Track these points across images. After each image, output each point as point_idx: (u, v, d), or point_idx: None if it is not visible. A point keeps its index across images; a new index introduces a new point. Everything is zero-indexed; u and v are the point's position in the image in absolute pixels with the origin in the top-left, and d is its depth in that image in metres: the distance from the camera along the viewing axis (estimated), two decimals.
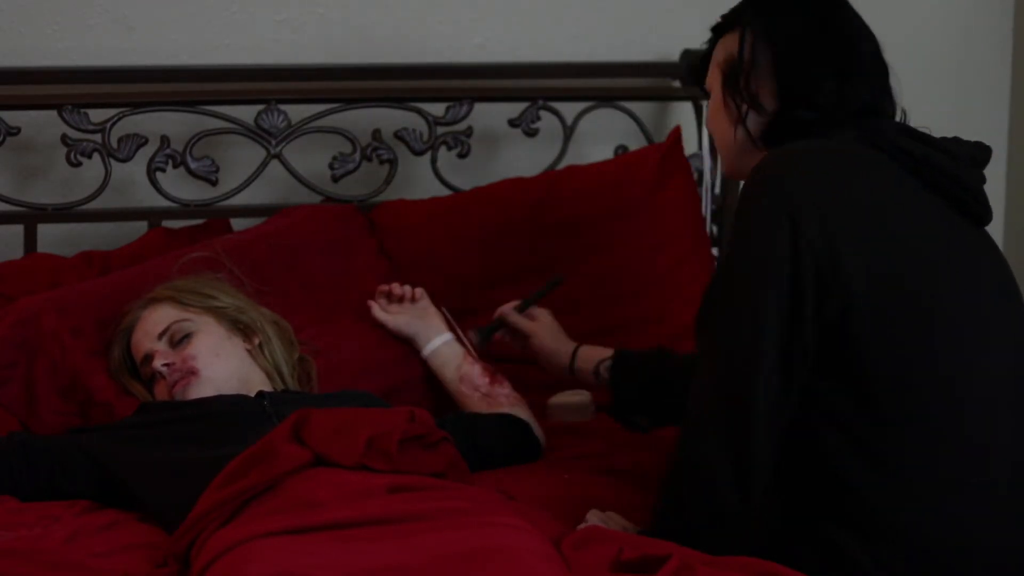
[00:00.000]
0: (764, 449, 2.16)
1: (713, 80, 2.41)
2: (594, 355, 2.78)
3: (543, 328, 2.84)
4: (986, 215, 2.31)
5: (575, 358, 2.80)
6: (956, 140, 2.32)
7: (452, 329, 2.92)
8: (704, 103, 3.31)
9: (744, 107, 2.33)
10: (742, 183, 2.29)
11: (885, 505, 2.15)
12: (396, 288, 2.91)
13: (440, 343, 2.89)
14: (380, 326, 2.90)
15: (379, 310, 2.92)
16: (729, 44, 2.38)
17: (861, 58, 2.31)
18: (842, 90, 2.28)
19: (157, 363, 2.63)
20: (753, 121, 2.34)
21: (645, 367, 2.71)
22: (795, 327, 2.15)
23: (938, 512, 2.15)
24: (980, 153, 2.33)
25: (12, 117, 3.01)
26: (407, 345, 2.91)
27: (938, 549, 2.15)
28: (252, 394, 2.61)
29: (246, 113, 3.12)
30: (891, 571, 2.14)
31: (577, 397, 2.95)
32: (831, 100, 2.28)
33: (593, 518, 2.41)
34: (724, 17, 2.41)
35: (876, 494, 2.15)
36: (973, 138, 2.37)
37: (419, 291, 2.92)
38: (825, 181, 2.19)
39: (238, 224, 3.12)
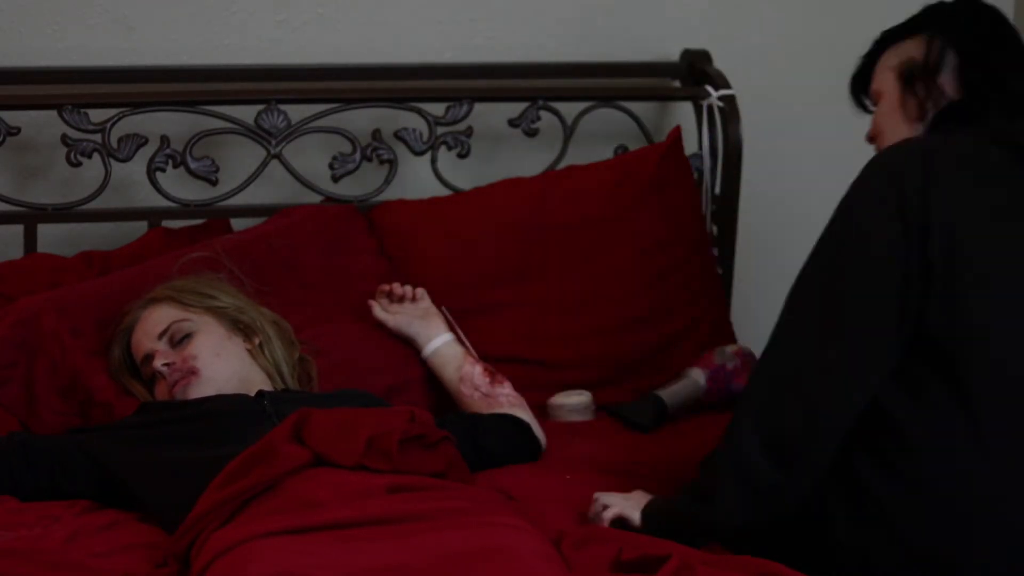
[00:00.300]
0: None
1: (886, 84, 2.49)
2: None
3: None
4: None
5: None
6: None
7: (452, 329, 2.92)
8: (706, 103, 3.32)
9: (929, 104, 2.42)
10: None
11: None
12: (397, 288, 2.91)
13: (440, 343, 2.89)
14: (380, 326, 2.91)
15: (380, 310, 2.92)
16: (908, 50, 2.47)
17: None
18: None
19: (157, 363, 2.63)
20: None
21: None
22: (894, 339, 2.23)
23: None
24: None
25: (12, 117, 3.01)
26: (407, 345, 2.91)
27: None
28: (252, 394, 2.61)
29: (246, 113, 3.12)
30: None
31: (578, 397, 2.95)
32: (1014, 93, 2.39)
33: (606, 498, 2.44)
34: (901, 26, 2.51)
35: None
36: None
37: (420, 291, 2.92)
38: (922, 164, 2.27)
39: (238, 224, 3.12)
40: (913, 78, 2.45)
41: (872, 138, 2.52)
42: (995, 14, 2.48)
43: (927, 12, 2.51)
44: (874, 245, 2.24)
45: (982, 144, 2.31)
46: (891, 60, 2.49)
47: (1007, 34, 2.46)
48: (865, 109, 2.55)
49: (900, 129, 2.45)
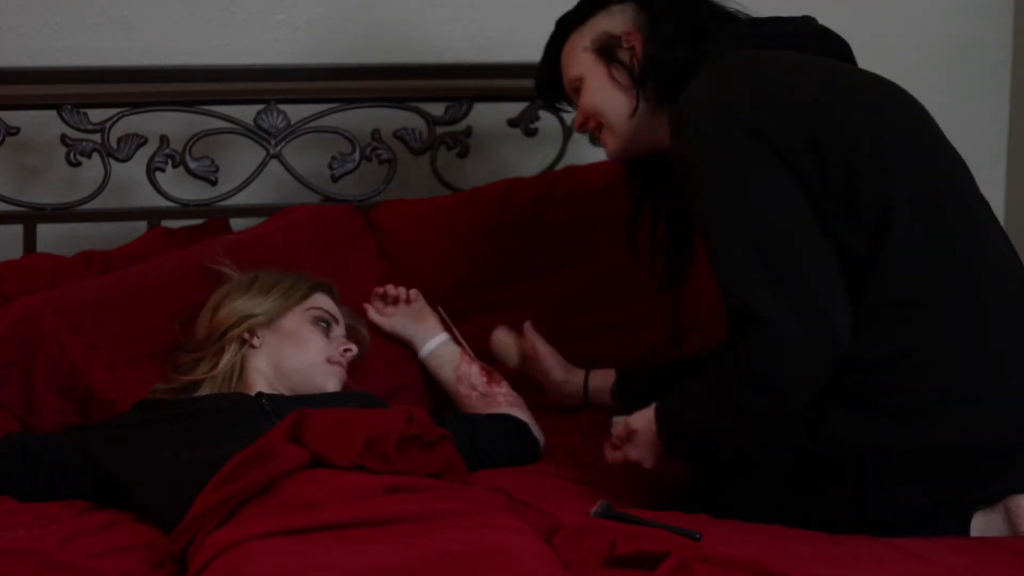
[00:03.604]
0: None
1: (584, 66, 2.55)
2: (605, 381, 2.84)
3: (550, 359, 2.86)
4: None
5: (587, 386, 2.85)
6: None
7: (448, 330, 2.92)
8: None
9: (636, 68, 2.50)
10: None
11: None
12: (391, 289, 2.91)
13: (437, 344, 2.89)
14: (376, 328, 2.90)
15: (375, 312, 2.91)
16: (595, 28, 2.55)
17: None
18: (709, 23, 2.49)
19: (342, 342, 2.72)
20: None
21: (650, 381, 2.75)
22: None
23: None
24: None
25: (12, 117, 3.01)
26: (404, 347, 2.91)
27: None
28: (252, 393, 2.61)
29: (246, 113, 3.12)
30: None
31: None
32: (704, 35, 2.48)
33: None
34: (575, 10, 2.59)
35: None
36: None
37: (414, 292, 2.92)
38: (746, 86, 2.36)
39: (237, 224, 3.12)
40: (613, 48, 2.50)
41: (584, 123, 2.57)
42: None
43: None
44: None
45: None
46: (581, 43, 2.55)
47: None
48: (560, 109, 2.61)
49: (618, 100, 2.52)
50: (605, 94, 2.53)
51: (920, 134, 2.38)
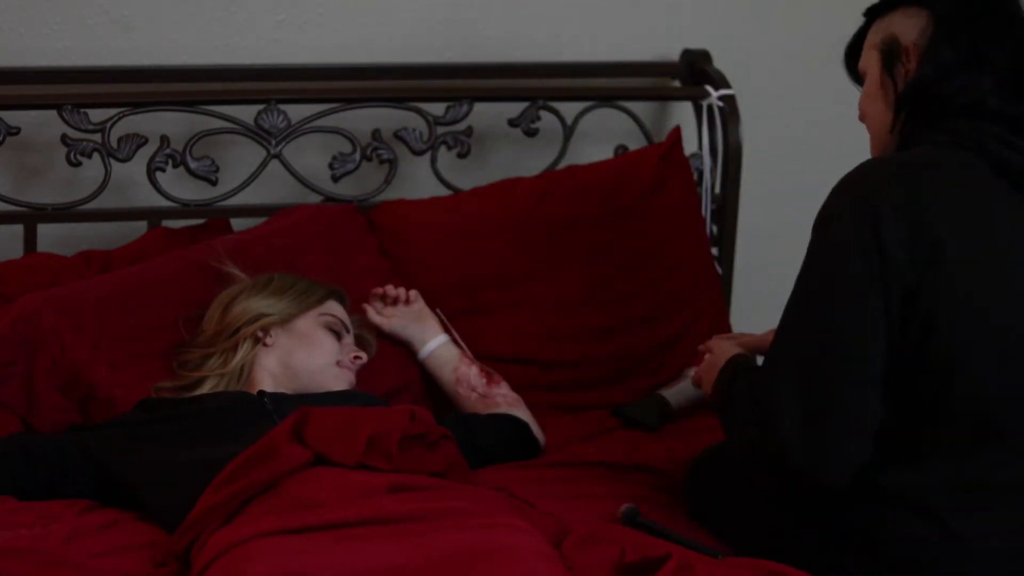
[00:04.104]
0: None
1: (869, 62, 2.40)
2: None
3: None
4: None
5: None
6: None
7: (447, 330, 2.92)
8: (705, 103, 3.32)
9: (901, 87, 2.34)
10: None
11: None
12: (391, 290, 2.91)
13: (436, 345, 2.89)
14: (376, 329, 2.90)
15: (374, 313, 2.91)
16: (891, 25, 2.38)
17: (996, 47, 2.30)
18: (965, 67, 2.29)
19: (353, 349, 2.73)
20: None
21: None
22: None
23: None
24: None
25: (12, 117, 3.01)
26: (403, 348, 2.91)
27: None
28: (254, 391, 2.61)
29: (246, 113, 3.12)
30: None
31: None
32: (949, 74, 2.29)
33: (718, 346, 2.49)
34: (878, 3, 2.42)
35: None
36: None
37: (413, 293, 2.92)
38: (904, 198, 2.20)
39: (238, 224, 3.12)
40: (893, 58, 2.35)
41: (860, 116, 2.44)
42: None
43: None
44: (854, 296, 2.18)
45: (949, 156, 2.25)
46: (874, 37, 2.41)
47: (991, 17, 2.33)
48: (860, 84, 2.50)
49: (881, 115, 2.38)
50: (873, 100, 2.39)
51: None
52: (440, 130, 3.22)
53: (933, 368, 2.17)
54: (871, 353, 2.17)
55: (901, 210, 2.18)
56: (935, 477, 2.19)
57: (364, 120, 3.20)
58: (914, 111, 2.32)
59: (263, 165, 3.14)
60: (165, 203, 3.11)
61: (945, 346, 2.17)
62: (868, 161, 2.32)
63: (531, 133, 3.27)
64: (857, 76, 2.47)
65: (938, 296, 2.16)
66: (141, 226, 3.10)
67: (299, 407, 2.33)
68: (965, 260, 2.18)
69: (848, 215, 2.20)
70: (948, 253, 2.17)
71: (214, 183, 3.11)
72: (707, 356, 2.52)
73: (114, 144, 3.04)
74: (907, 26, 2.35)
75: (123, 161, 3.06)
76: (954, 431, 2.19)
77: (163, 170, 3.08)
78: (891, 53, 2.36)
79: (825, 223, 2.24)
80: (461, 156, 3.24)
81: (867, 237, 2.17)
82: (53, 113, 3.01)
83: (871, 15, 2.43)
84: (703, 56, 3.37)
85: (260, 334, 2.69)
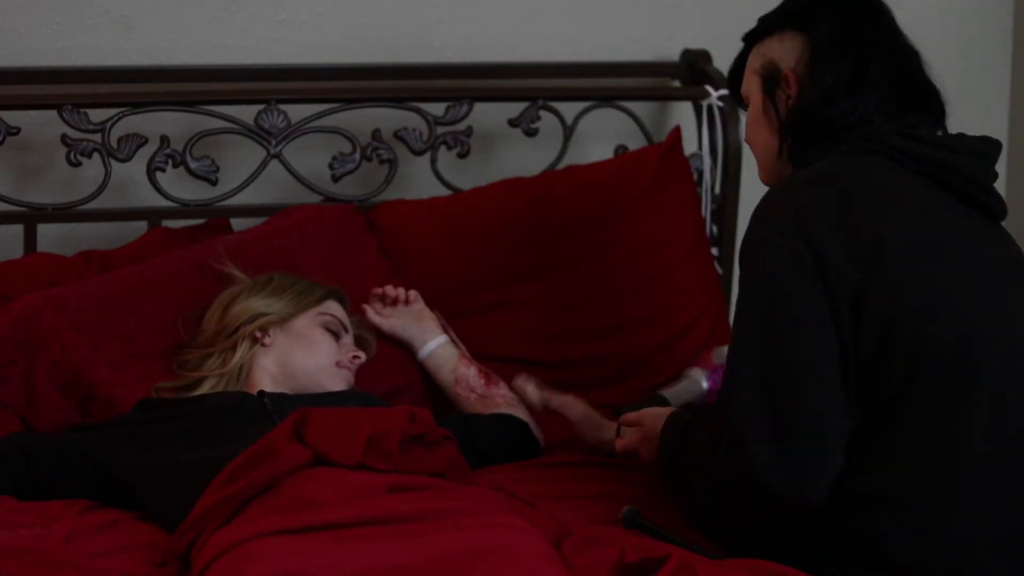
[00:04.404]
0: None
1: (751, 88, 2.41)
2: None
3: (582, 423, 2.77)
4: (999, 208, 2.31)
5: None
6: (959, 136, 2.33)
7: (447, 331, 2.91)
8: (705, 103, 3.32)
9: (785, 114, 2.34)
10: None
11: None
12: (390, 290, 2.91)
13: (435, 345, 2.89)
14: (375, 329, 2.90)
15: (374, 313, 2.91)
16: (766, 49, 2.39)
17: (876, 67, 2.31)
18: (850, 89, 2.30)
19: (351, 349, 2.73)
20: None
21: None
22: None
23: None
24: (987, 147, 2.33)
25: (12, 117, 3.01)
26: (403, 348, 2.91)
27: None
28: (254, 392, 2.61)
29: (246, 113, 3.12)
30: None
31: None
32: (834, 97, 2.30)
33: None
34: (761, 21, 2.42)
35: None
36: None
37: (413, 293, 2.92)
38: (832, 204, 2.19)
39: (238, 224, 3.12)
40: (773, 84, 2.35)
41: (747, 140, 2.45)
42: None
43: (788, 2, 2.40)
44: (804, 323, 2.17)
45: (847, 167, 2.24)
46: (754, 62, 2.41)
47: (862, 30, 2.33)
48: (745, 108, 2.47)
49: (766, 140, 2.38)
50: (757, 126, 2.40)
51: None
52: (440, 130, 3.22)
53: (894, 364, 2.16)
54: (829, 372, 2.16)
55: (828, 213, 2.17)
56: (910, 475, 2.18)
57: (364, 120, 3.20)
58: (801, 135, 2.32)
59: (263, 165, 3.14)
60: (165, 203, 3.11)
61: (903, 340, 2.16)
62: (777, 185, 2.31)
63: (531, 133, 3.27)
64: (742, 101, 2.48)
65: (888, 290, 2.16)
66: (141, 226, 3.10)
67: (299, 407, 2.33)
68: (906, 251, 2.18)
69: (774, 234, 2.20)
70: (888, 245, 2.16)
71: (214, 183, 3.11)
72: (632, 430, 2.52)
73: (114, 144, 3.04)
74: (785, 51, 2.36)
75: (123, 161, 3.06)
76: (917, 430, 2.18)
77: (163, 170, 3.08)
78: (771, 79, 2.36)
79: (753, 248, 2.23)
80: (461, 156, 3.24)
81: (799, 249, 2.16)
82: (53, 113, 3.01)
83: (750, 40, 2.44)
84: (703, 56, 3.37)
85: (258, 334, 2.69)
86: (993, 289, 2.23)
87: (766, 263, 2.20)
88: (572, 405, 2.76)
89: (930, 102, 2.35)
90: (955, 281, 2.20)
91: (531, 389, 2.78)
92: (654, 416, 2.49)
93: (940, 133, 2.34)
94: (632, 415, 2.54)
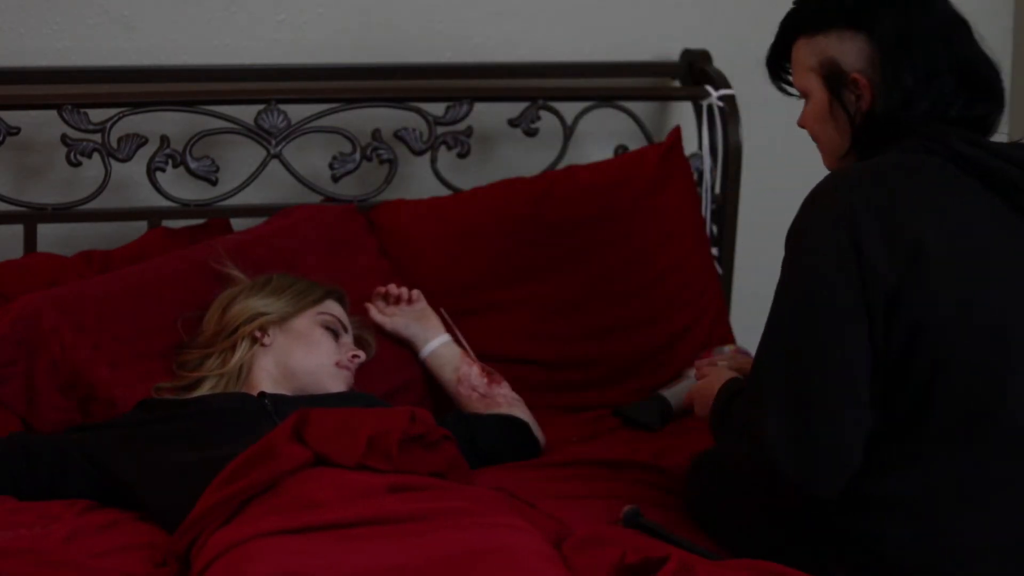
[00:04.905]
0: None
1: (810, 85, 2.36)
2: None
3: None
4: None
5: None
6: (1020, 145, 2.31)
7: (450, 330, 2.92)
8: (706, 103, 3.32)
9: (860, 117, 2.31)
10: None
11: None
12: (393, 289, 2.91)
13: (438, 344, 2.89)
14: (378, 328, 2.90)
15: (376, 312, 2.91)
16: (823, 47, 2.33)
17: (944, 59, 2.28)
18: (927, 88, 2.27)
19: (351, 349, 2.72)
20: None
21: None
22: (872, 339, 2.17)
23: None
24: None
25: (12, 117, 3.01)
26: (405, 347, 2.91)
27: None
28: (254, 393, 2.61)
29: (246, 113, 3.12)
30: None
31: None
32: (914, 98, 2.27)
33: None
34: (810, 14, 2.36)
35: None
36: None
37: (416, 292, 2.92)
38: (884, 204, 2.18)
39: (238, 224, 3.12)
40: (839, 85, 2.31)
41: (804, 127, 2.41)
42: None
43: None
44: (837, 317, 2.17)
45: (915, 164, 2.23)
46: (809, 57, 2.35)
47: (928, 26, 2.29)
48: (786, 92, 2.43)
49: (834, 139, 2.35)
50: (823, 124, 2.36)
51: None
52: (440, 130, 3.22)
53: (920, 369, 2.17)
54: (856, 365, 2.16)
55: (877, 212, 2.17)
56: (925, 480, 2.18)
57: (364, 120, 3.20)
58: (877, 137, 2.29)
59: (263, 165, 3.14)
60: (165, 203, 3.11)
61: (931, 347, 2.16)
62: (836, 171, 2.31)
63: (531, 133, 3.27)
64: (780, 81, 2.45)
65: (922, 296, 2.16)
66: (141, 226, 3.10)
67: (300, 408, 2.33)
68: (946, 259, 2.17)
69: (821, 223, 2.19)
70: (929, 253, 2.16)
71: (214, 183, 3.11)
72: (698, 380, 2.53)
73: (114, 144, 3.04)
74: (846, 51, 2.31)
75: (123, 161, 3.06)
76: (942, 433, 2.18)
77: (163, 170, 3.08)
78: (836, 79, 2.32)
79: (797, 235, 2.23)
80: (461, 156, 3.24)
81: (843, 242, 2.16)
82: (53, 113, 3.01)
83: (795, 30, 2.38)
84: (703, 56, 3.37)
85: (258, 334, 2.69)
86: None
87: (808, 253, 2.20)
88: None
89: (991, 82, 2.31)
90: (991, 294, 2.19)
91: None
92: (717, 373, 2.49)
93: (1006, 141, 2.32)
94: (700, 366, 2.56)
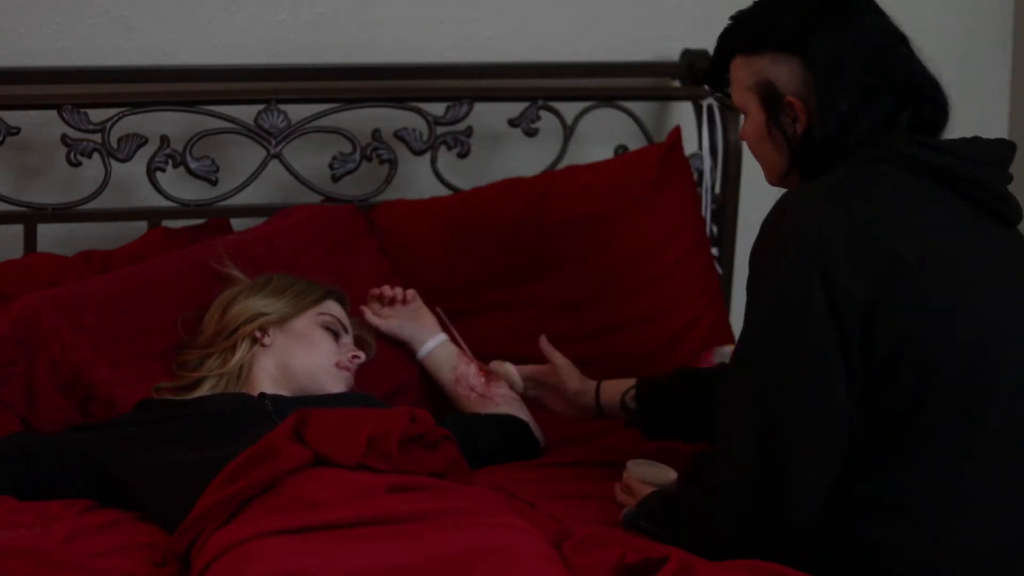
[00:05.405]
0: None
1: (747, 103, 2.35)
2: (617, 388, 2.74)
3: (566, 368, 2.78)
4: (1013, 214, 2.29)
5: (599, 394, 2.76)
6: (974, 141, 2.30)
7: (447, 330, 2.91)
8: (705, 103, 3.32)
9: (796, 140, 2.30)
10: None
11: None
12: (387, 290, 2.91)
13: (435, 344, 2.89)
14: (374, 330, 2.90)
15: (371, 314, 2.91)
16: (758, 68, 2.32)
17: (879, 76, 2.27)
18: (864, 110, 2.25)
19: (351, 349, 2.72)
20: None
21: (670, 390, 2.69)
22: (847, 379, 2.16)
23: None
24: (1002, 151, 2.30)
25: (12, 117, 3.01)
26: (402, 348, 2.91)
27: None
28: (254, 393, 2.61)
29: (246, 113, 3.12)
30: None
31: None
32: (851, 122, 2.25)
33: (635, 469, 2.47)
34: (745, 35, 2.35)
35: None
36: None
37: (411, 293, 2.92)
38: (846, 224, 2.16)
39: (238, 224, 3.12)
40: (776, 107, 2.29)
41: (743, 138, 2.40)
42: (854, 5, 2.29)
43: (770, 17, 2.31)
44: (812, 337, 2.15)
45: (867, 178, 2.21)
46: (746, 76, 2.33)
47: (866, 39, 2.27)
48: (728, 106, 2.44)
49: (773, 159, 2.34)
50: (761, 143, 2.35)
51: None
52: (440, 130, 3.22)
53: (906, 375, 2.16)
54: (830, 391, 2.15)
55: (839, 232, 2.15)
56: (917, 481, 2.18)
57: (364, 120, 3.20)
58: (815, 159, 2.27)
59: (263, 165, 3.14)
60: (165, 203, 3.11)
61: (916, 354, 2.15)
62: (790, 194, 2.27)
63: (531, 133, 3.27)
64: (721, 94, 2.44)
65: (905, 306, 2.15)
66: (141, 226, 3.10)
67: (299, 408, 2.33)
68: (922, 266, 2.16)
69: (782, 252, 2.18)
70: (907, 261, 2.15)
71: (214, 183, 3.11)
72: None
73: (114, 144, 3.04)
74: (782, 74, 2.29)
75: (123, 161, 3.06)
76: (932, 435, 2.17)
77: (163, 170, 3.08)
78: (772, 101, 2.30)
79: (762, 259, 2.22)
80: (461, 156, 3.24)
81: (808, 270, 2.14)
82: (53, 113, 3.01)
83: (731, 48, 2.36)
84: (703, 56, 3.37)
85: (258, 334, 2.69)
86: (1009, 299, 2.22)
87: (774, 286, 2.19)
88: (552, 355, 2.77)
89: (933, 92, 2.31)
90: (969, 296, 2.19)
91: (509, 368, 2.79)
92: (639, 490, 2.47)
93: (956, 138, 2.32)
94: (626, 480, 2.51)
